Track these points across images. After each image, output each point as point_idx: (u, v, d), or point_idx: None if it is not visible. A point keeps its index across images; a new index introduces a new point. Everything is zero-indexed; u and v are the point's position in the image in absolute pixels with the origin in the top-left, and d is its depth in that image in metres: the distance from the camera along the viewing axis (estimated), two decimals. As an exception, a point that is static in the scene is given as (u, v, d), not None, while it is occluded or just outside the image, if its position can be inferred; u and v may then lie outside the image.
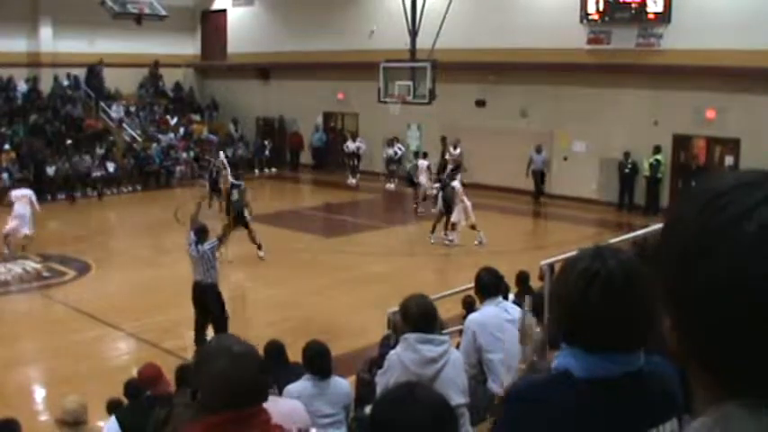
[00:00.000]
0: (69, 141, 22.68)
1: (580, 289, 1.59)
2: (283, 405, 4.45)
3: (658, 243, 0.88)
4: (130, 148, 24.14)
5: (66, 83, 25.66)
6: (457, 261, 14.67)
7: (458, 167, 17.32)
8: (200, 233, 9.75)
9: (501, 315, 5.34)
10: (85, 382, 8.66)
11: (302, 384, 5.08)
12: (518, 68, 19.98)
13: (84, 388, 7.60)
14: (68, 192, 21.24)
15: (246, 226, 14.36)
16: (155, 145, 24.48)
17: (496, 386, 5.16)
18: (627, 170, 18.91)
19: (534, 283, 8.27)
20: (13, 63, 24.20)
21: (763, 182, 0.80)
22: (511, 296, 7.48)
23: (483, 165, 20.67)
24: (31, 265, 14.21)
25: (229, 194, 14.55)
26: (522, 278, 8.49)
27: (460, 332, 5.78)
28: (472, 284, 5.66)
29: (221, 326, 9.45)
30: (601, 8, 18.60)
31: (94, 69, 25.88)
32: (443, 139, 21.42)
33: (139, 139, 24.83)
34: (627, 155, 18.79)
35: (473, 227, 15.33)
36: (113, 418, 5.63)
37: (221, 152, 16.69)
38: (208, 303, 9.61)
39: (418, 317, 4.31)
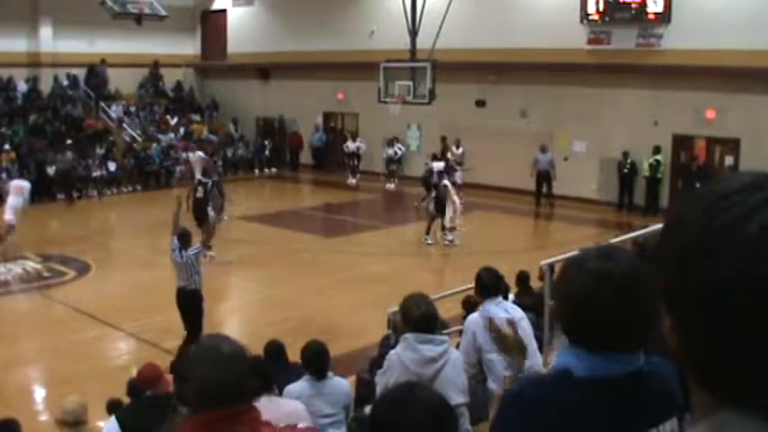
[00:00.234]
0: (69, 141, 22.67)
1: (589, 288, 1.60)
2: (284, 405, 4.46)
3: (659, 243, 0.88)
4: (130, 148, 24.13)
5: (65, 83, 25.66)
6: (457, 261, 14.67)
7: (451, 167, 17.29)
8: (183, 238, 9.52)
9: (501, 315, 5.34)
10: (85, 382, 8.65)
11: (301, 384, 5.08)
12: (518, 68, 19.98)
13: (84, 388, 7.60)
14: (68, 192, 21.23)
15: (201, 224, 13.39)
16: (155, 145, 24.48)
17: (496, 386, 5.16)
18: (626, 170, 18.91)
19: (534, 283, 8.30)
20: (13, 63, 24.18)
21: (765, 184, 0.80)
22: (511, 296, 7.50)
23: (483, 165, 20.70)
24: (32, 265, 14.22)
25: (195, 191, 14.42)
26: (523, 278, 8.51)
27: (460, 332, 5.79)
28: (472, 284, 5.66)
29: (195, 334, 9.15)
30: (601, 8, 18.61)
31: (96, 69, 25.87)
32: (443, 139, 21.42)
33: (139, 139, 24.82)
34: (626, 155, 18.78)
35: (453, 228, 15.28)
36: (113, 418, 5.62)
37: (198, 151, 16.51)
38: (189, 309, 9.47)
39: (418, 317, 4.31)
